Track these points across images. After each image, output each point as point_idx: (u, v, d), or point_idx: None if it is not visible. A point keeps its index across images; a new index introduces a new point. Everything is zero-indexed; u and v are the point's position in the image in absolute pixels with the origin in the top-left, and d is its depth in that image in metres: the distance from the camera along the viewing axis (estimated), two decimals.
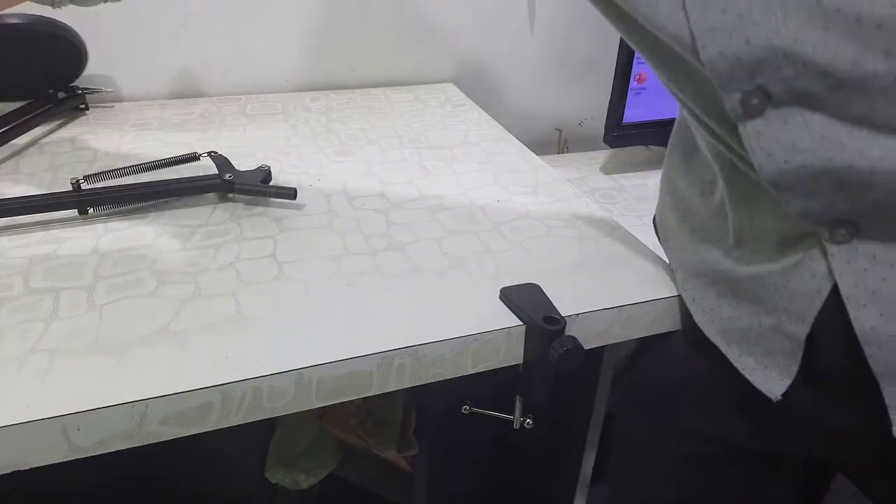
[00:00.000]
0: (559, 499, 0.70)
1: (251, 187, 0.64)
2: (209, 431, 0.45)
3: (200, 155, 0.70)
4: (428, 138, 0.84)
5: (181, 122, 0.85)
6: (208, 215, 0.63)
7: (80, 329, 0.47)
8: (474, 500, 0.67)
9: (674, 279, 0.55)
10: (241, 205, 0.65)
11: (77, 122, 0.84)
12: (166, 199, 0.65)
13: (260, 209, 0.65)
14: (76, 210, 0.61)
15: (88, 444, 0.42)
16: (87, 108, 0.86)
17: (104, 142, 0.78)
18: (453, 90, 1.03)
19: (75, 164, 0.72)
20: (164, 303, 0.51)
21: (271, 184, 0.67)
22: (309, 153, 0.78)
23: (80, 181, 0.61)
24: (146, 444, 0.43)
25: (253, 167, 0.67)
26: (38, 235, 0.59)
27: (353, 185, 0.70)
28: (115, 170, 0.64)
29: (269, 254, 0.58)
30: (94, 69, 0.89)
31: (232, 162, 0.68)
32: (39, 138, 0.78)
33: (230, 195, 0.66)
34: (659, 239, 0.59)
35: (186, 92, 0.94)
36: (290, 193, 0.64)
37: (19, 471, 0.41)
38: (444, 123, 0.89)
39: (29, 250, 0.56)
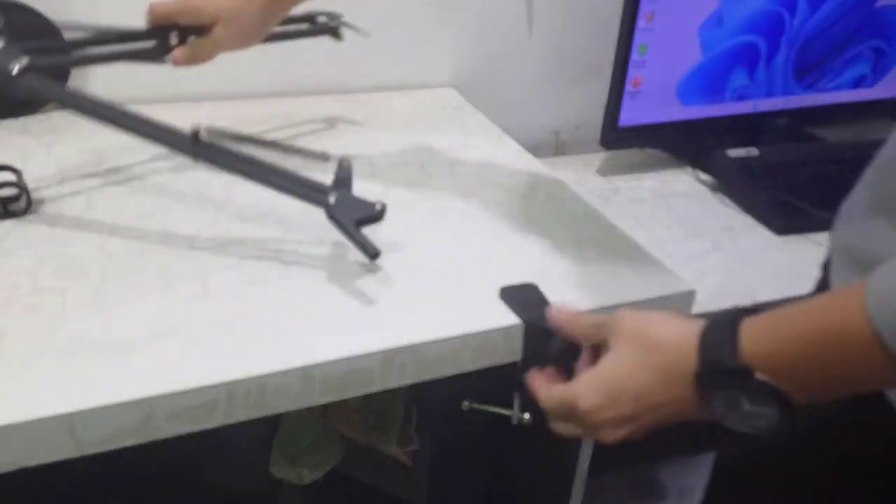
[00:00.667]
0: (557, 492, 0.71)
1: (341, 223, 0.55)
2: (214, 427, 0.45)
3: (331, 159, 0.67)
4: (429, 141, 0.84)
5: (182, 125, 0.85)
6: (215, 215, 0.64)
7: (87, 327, 0.48)
8: (474, 495, 0.68)
9: (674, 277, 0.56)
10: (247, 205, 0.66)
11: (82, 124, 0.84)
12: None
13: (265, 209, 0.65)
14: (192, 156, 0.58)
15: (95, 441, 0.42)
16: (340, 39, 0.80)
17: (110, 144, 0.78)
18: (453, 94, 1.03)
19: (82, 166, 0.72)
20: (170, 301, 0.51)
21: (363, 231, 0.55)
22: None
23: (200, 132, 0.58)
24: (152, 440, 0.44)
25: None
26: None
27: (355, 188, 0.71)
28: (237, 135, 0.61)
29: (275, 254, 0.58)
30: (99, 71, 0.90)
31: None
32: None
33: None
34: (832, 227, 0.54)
35: (187, 95, 0.95)
36: (372, 252, 0.54)
37: (24, 467, 0.42)
38: (444, 127, 0.90)
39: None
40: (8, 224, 0.61)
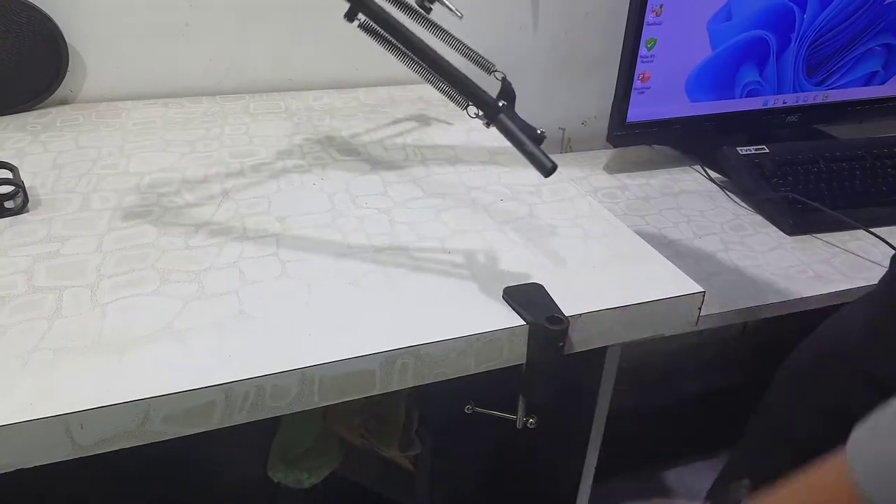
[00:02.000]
0: (562, 498, 0.70)
1: (512, 132, 0.51)
2: (212, 430, 0.45)
3: (494, 72, 0.65)
4: (431, 137, 0.83)
5: (184, 120, 0.85)
6: (211, 214, 0.63)
7: (83, 327, 0.47)
8: (476, 500, 0.67)
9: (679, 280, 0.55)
10: (244, 203, 0.65)
11: (79, 120, 0.84)
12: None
13: (262, 207, 0.64)
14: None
15: (91, 443, 0.42)
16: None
17: (107, 141, 0.78)
18: None
19: (78, 162, 0.72)
20: (167, 301, 0.51)
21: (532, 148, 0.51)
22: (312, 151, 0.78)
23: None
24: (149, 442, 0.43)
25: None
26: None
27: (356, 184, 0.70)
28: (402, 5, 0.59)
29: (272, 252, 0.57)
30: (96, 67, 0.89)
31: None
32: (40, 133, 0.78)
33: None
34: None
35: (189, 90, 0.94)
36: (550, 166, 0.48)
37: (22, 469, 0.41)
38: (447, 122, 0.89)
39: None
40: (4, 222, 0.60)
